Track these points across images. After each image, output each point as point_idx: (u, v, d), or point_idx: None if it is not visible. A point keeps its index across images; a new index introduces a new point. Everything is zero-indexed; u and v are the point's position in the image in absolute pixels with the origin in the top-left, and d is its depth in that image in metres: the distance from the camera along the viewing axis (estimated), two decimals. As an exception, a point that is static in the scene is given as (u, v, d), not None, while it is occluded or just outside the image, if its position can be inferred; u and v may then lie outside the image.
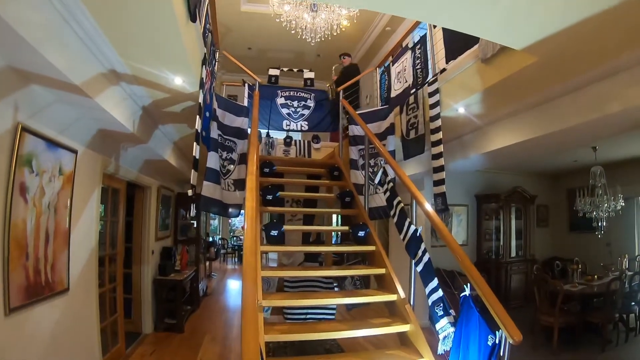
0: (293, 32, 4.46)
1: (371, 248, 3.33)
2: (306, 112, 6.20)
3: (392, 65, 4.72)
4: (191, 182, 3.06)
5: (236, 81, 5.98)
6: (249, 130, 4.99)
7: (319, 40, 4.60)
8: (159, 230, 5.68)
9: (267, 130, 6.12)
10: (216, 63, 4.60)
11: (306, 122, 6.07)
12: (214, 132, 4.03)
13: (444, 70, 3.60)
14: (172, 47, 2.47)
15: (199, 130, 3.13)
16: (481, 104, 3.36)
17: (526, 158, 5.18)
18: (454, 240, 2.42)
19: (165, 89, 3.06)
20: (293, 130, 5.96)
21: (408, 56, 4.33)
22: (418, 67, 4.08)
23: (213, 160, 3.96)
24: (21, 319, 2.35)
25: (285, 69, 6.11)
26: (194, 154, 3.04)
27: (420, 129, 3.89)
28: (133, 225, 5.18)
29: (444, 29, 3.65)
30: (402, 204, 2.98)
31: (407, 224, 2.82)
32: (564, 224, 7.31)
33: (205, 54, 3.14)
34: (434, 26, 3.85)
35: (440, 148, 3.54)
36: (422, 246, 2.73)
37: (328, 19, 4.31)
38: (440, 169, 3.56)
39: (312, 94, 6.16)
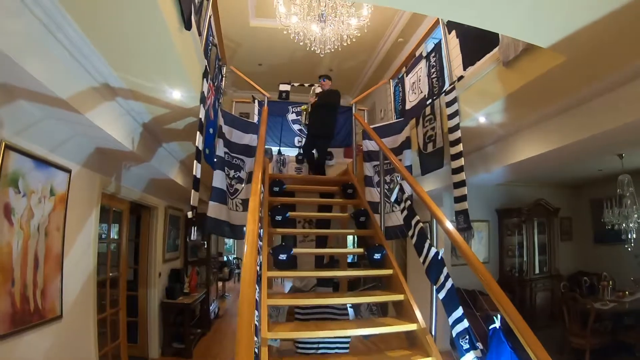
0: (301, 43, 4.28)
1: (388, 272, 3.05)
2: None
3: (406, 75, 4.49)
4: (191, 203, 2.85)
5: (247, 98, 5.87)
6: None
7: (329, 51, 4.40)
8: (167, 251, 5.50)
9: (278, 148, 5.95)
10: (223, 78, 4.48)
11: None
12: (220, 150, 3.85)
13: (461, 77, 3.33)
14: (165, 57, 2.30)
15: (200, 148, 2.94)
16: (503, 111, 3.06)
17: (552, 168, 4.81)
18: (478, 261, 2.14)
19: (163, 104, 2.91)
20: (305, 147, 5.73)
21: (422, 65, 4.09)
22: (433, 76, 3.83)
23: (219, 180, 3.78)
24: (6, 348, 2.17)
25: (296, 84, 5.97)
26: (194, 173, 2.84)
27: (439, 142, 3.60)
28: (139, 247, 5.02)
29: (460, 34, 3.42)
30: (421, 224, 2.68)
31: (427, 246, 2.51)
32: (589, 237, 6.87)
33: (206, 66, 2.98)
34: (449, 32, 3.61)
35: (461, 161, 3.23)
36: (445, 271, 2.42)
37: (337, 30, 4.12)
38: (461, 184, 3.24)
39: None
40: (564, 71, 2.35)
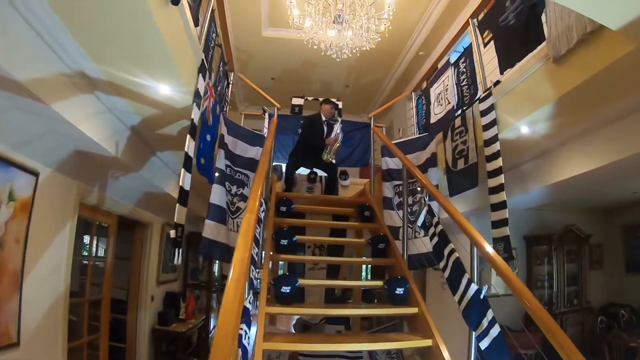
0: (315, 47, 3.91)
1: (412, 310, 2.52)
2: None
3: (431, 86, 4.04)
4: (175, 220, 2.39)
5: (257, 111, 5.52)
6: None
7: (345, 57, 4.01)
8: (163, 272, 5.05)
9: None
10: (230, 85, 4.13)
11: (333, 161, 5.42)
12: (221, 162, 3.43)
13: (498, 82, 2.86)
14: (146, 39, 1.92)
15: (192, 155, 2.51)
16: (552, 118, 2.53)
17: (589, 190, 4.13)
18: (529, 293, 1.69)
19: (151, 102, 2.51)
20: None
21: (450, 73, 3.64)
22: (464, 83, 3.37)
23: (218, 196, 3.34)
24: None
25: (310, 98, 5.61)
26: (180, 184, 2.39)
27: (471, 157, 3.08)
28: (131, 267, 4.56)
29: (495, 35, 2.97)
30: (456, 254, 2.14)
31: (465, 281, 1.96)
32: (620, 265, 6.21)
33: (203, 60, 2.60)
34: (482, 33, 3.17)
35: (501, 179, 2.70)
36: (489, 314, 1.88)
37: (356, 34, 3.73)
38: (500, 205, 2.69)
39: (340, 125, 5.56)
40: (633, 63, 1.86)
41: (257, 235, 2.23)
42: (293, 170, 4.57)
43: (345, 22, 3.59)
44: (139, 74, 2.24)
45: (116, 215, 3.86)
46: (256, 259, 2.09)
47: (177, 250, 2.39)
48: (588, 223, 6.22)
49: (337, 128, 4.29)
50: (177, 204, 2.38)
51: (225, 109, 4.00)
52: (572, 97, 2.24)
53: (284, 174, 5.33)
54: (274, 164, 5.31)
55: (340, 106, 5.83)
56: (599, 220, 6.47)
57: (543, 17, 2.43)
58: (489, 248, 1.96)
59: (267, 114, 5.08)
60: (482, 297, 1.87)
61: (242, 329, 1.63)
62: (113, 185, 3.48)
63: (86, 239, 3.57)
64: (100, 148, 2.66)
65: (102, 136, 2.65)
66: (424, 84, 4.39)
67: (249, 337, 1.68)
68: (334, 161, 4.61)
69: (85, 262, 3.52)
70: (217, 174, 3.42)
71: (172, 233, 2.32)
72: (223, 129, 3.53)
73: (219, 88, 3.48)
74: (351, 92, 6.82)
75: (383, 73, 6.27)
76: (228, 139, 3.65)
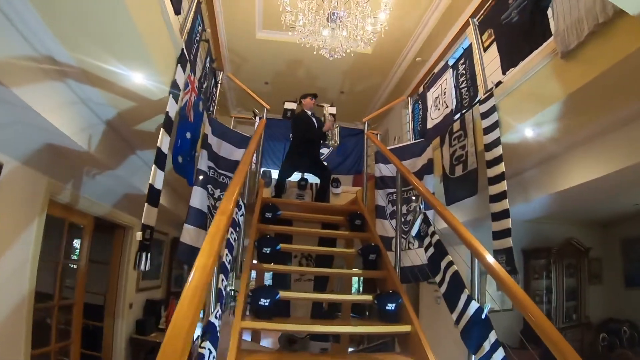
0: (308, 45, 3.74)
1: (404, 328, 2.28)
2: (325, 151, 5.38)
3: (428, 90, 3.87)
4: (142, 221, 2.15)
5: (247, 115, 5.33)
6: (253, 167, 4.19)
7: (338, 57, 3.84)
8: (143, 279, 4.79)
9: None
10: (217, 84, 3.94)
11: (325, 163, 5.22)
12: (203, 163, 3.22)
13: (499, 83, 2.68)
14: (116, 20, 1.74)
15: (165, 151, 2.30)
16: (558, 119, 2.35)
17: (591, 201, 3.93)
18: (535, 307, 1.51)
19: (125, 92, 2.31)
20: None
21: (448, 76, 3.47)
22: (463, 85, 3.20)
23: (199, 199, 3.12)
24: None
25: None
26: (150, 182, 2.17)
27: (471, 163, 2.89)
28: (110, 271, 4.33)
29: (497, 33, 2.81)
30: (455, 268, 1.91)
31: (464, 298, 1.74)
32: (619, 280, 6.04)
33: (183, 50, 2.40)
34: (482, 33, 3.01)
35: (503, 185, 2.49)
36: (492, 336, 1.65)
37: (351, 35, 3.57)
38: (502, 214, 2.48)
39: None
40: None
41: (232, 241, 2.00)
42: (286, 174, 4.33)
43: (339, 20, 3.42)
44: (110, 59, 2.05)
45: (92, 216, 3.63)
46: (228, 267, 1.85)
47: (144, 254, 2.14)
48: (587, 236, 6.09)
49: (326, 113, 4.13)
50: (146, 204, 2.14)
51: (212, 109, 3.80)
52: (582, 95, 2.06)
53: (274, 180, 5.13)
54: (263, 169, 5.12)
55: (334, 112, 5.67)
56: (598, 233, 6.35)
57: (549, 12, 2.27)
58: (490, 259, 1.75)
59: (257, 118, 4.89)
60: (483, 316, 1.64)
61: (204, 347, 1.39)
62: (89, 183, 3.25)
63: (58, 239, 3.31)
64: (71, 142, 2.45)
65: (74, 129, 2.44)
66: (421, 89, 4.23)
67: (213, 357, 1.44)
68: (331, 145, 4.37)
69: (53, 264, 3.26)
70: (199, 176, 3.21)
71: (139, 235, 2.08)
72: (207, 129, 3.32)
73: (204, 85, 3.29)
74: (346, 99, 6.66)
75: (379, 80, 6.12)
76: (212, 139, 3.44)
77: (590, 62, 1.95)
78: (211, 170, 3.41)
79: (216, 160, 3.50)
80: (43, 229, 2.78)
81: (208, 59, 3.41)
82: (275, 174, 5.34)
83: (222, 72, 4.00)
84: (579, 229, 6.02)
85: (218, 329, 1.59)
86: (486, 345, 1.65)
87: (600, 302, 6.12)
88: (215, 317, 1.53)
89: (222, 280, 1.71)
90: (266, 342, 6.91)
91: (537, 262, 5.67)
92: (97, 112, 2.60)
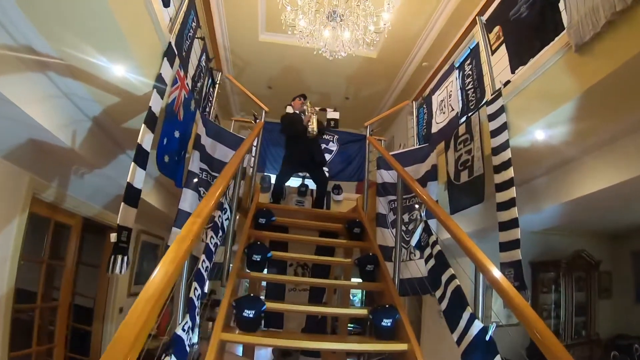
0: (308, 44, 3.60)
1: (400, 347, 2.08)
2: (327, 156, 5.22)
3: (433, 94, 3.70)
4: (118, 222, 2.00)
5: (248, 119, 5.21)
6: (250, 171, 4.05)
7: (340, 58, 3.69)
8: (135, 283, 4.67)
9: (280, 177, 5.18)
10: (215, 85, 3.82)
11: (326, 169, 5.06)
12: (195, 165, 3.09)
13: (508, 82, 2.50)
14: (92, 8, 1.61)
15: (147, 148, 2.16)
16: (572, 120, 2.15)
17: (624, 205, 3.64)
18: (544, 326, 1.33)
19: (108, 86, 2.18)
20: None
21: (454, 78, 3.31)
22: (469, 87, 3.03)
23: (189, 202, 2.99)
24: None
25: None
26: (128, 180, 2.02)
27: (477, 168, 2.69)
28: (100, 274, 4.22)
29: (506, 31, 2.65)
30: (457, 282, 1.72)
31: (466, 316, 1.54)
32: (630, 294, 5.73)
33: (170, 43, 2.28)
34: (490, 31, 2.84)
35: (512, 192, 2.29)
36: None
37: (353, 35, 3.43)
38: (511, 224, 2.27)
39: (335, 136, 5.22)
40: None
41: (211, 246, 1.84)
42: (284, 179, 4.15)
43: (340, 18, 3.29)
44: (89, 50, 1.93)
45: (81, 216, 3.51)
46: (204, 275, 1.68)
47: (119, 257, 1.99)
48: (596, 248, 5.84)
49: (307, 107, 3.98)
50: (123, 203, 2.00)
51: (208, 110, 3.68)
52: (598, 92, 1.88)
53: (272, 186, 4.98)
54: (263, 174, 4.98)
55: (337, 117, 5.53)
56: (607, 245, 6.08)
57: (560, 4, 2.10)
58: (497, 273, 1.56)
59: (258, 121, 4.77)
60: (488, 338, 1.44)
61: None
62: (77, 183, 3.14)
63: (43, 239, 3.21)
64: (53, 137, 2.34)
65: (56, 124, 2.33)
66: (426, 92, 4.06)
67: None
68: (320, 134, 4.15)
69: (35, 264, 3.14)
70: (191, 179, 3.08)
71: (113, 237, 1.93)
72: (200, 129, 3.19)
73: (198, 84, 3.16)
74: (351, 105, 6.52)
75: (385, 85, 5.96)
76: (206, 140, 3.31)
77: (607, 54, 1.77)
78: (204, 173, 3.28)
79: (210, 162, 3.36)
80: (25, 228, 2.67)
81: (204, 57, 3.29)
82: (274, 179, 5.21)
83: (220, 73, 3.89)
84: (589, 240, 5.77)
85: (187, 342, 1.42)
86: (491, 371, 1.45)
87: (609, 317, 5.87)
88: (183, 330, 1.36)
89: (196, 289, 1.55)
90: (264, 353, 6.70)
91: (546, 275, 5.43)
92: (81, 107, 2.48)
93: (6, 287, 2.54)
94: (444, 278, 1.82)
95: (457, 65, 3.28)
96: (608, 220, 4.83)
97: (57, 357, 3.41)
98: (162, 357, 1.26)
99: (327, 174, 4.53)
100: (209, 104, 3.71)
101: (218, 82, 3.80)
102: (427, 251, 2.13)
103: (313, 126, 3.85)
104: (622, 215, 4.42)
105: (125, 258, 2.06)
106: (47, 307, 3.31)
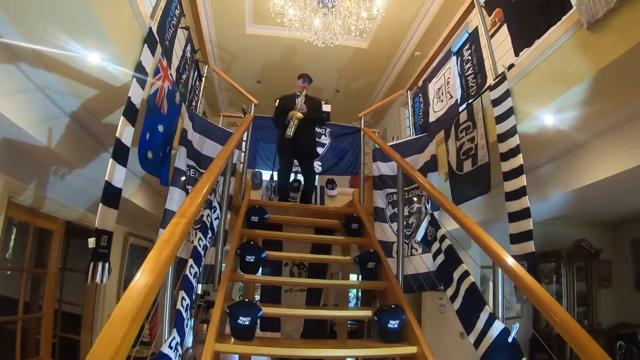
0: (299, 32, 3.43)
1: (409, 350, 1.93)
2: (319, 150, 5.07)
3: (429, 82, 3.57)
4: (96, 225, 1.82)
5: (237, 114, 5.03)
6: (241, 167, 3.87)
7: (331, 45, 3.53)
8: (124, 290, 4.43)
9: (271, 173, 5.00)
10: (202, 78, 3.63)
11: (319, 163, 4.90)
12: (181, 162, 2.91)
13: (512, 66, 2.38)
14: None
15: (127, 143, 1.97)
16: (583, 103, 2.03)
17: (626, 194, 3.55)
18: (568, 315, 1.20)
19: (84, 77, 1.99)
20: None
21: (452, 64, 3.18)
22: (469, 72, 2.90)
23: (176, 201, 2.81)
24: None
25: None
26: (106, 178, 1.84)
27: (481, 157, 2.57)
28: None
29: (508, 12, 2.51)
30: (471, 279, 1.58)
31: (484, 317, 1.40)
32: (630, 283, 5.79)
33: (150, 29, 2.09)
34: (490, 13, 2.71)
35: (522, 180, 2.16)
36: (521, 365, 1.30)
37: (344, 22, 3.27)
38: (523, 214, 2.15)
39: (328, 129, 5.06)
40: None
41: (200, 249, 1.68)
42: (286, 172, 3.88)
43: (332, 4, 3.12)
44: (60, 35, 1.73)
45: (63, 220, 3.31)
46: (193, 282, 1.52)
47: (100, 264, 1.81)
48: (596, 237, 5.82)
49: (298, 102, 3.71)
50: (101, 204, 1.81)
51: (194, 104, 3.49)
52: (613, 72, 1.76)
53: (265, 182, 4.81)
54: (254, 170, 4.81)
55: (329, 110, 5.36)
56: (607, 234, 6.09)
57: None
58: (510, 260, 1.42)
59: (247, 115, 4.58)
60: (510, 339, 1.31)
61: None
62: (56, 184, 2.93)
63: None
64: (26, 135, 2.15)
65: (30, 121, 2.14)
66: (421, 82, 3.93)
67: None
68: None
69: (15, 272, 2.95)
70: (178, 176, 2.90)
71: (91, 242, 1.75)
72: (187, 124, 3.01)
73: (183, 76, 2.97)
74: (342, 97, 6.37)
75: (376, 77, 5.82)
76: (193, 135, 3.12)
77: (622, 31, 1.66)
78: (191, 170, 3.09)
79: (198, 159, 3.18)
80: (2, 234, 2.48)
81: (188, 47, 3.10)
82: (265, 175, 5.03)
83: (207, 66, 3.69)
84: (589, 230, 5.75)
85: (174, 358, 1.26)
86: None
87: (610, 306, 5.88)
88: (170, 347, 1.20)
89: (184, 299, 1.38)
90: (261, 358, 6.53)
91: (547, 265, 5.41)
92: (57, 101, 2.28)
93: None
94: (456, 275, 1.68)
95: (454, 51, 3.15)
96: (609, 208, 4.79)
97: (40, 371, 3.22)
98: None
99: (315, 169, 4.36)
100: (196, 98, 3.52)
101: (205, 75, 3.60)
102: (435, 246, 1.99)
103: (291, 130, 3.59)
104: (623, 203, 4.36)
105: (107, 265, 1.87)
106: (30, 317, 3.09)
